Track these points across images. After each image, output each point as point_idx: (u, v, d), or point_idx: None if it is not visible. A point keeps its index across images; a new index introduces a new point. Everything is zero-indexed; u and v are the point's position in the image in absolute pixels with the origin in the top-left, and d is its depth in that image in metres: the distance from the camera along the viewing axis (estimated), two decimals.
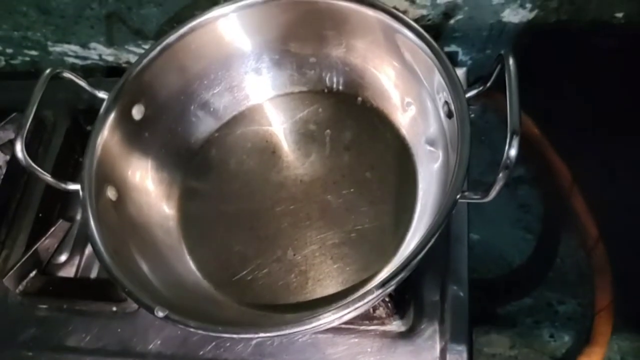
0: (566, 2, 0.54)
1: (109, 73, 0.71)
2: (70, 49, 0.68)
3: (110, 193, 0.47)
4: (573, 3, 0.54)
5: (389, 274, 0.38)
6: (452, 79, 0.42)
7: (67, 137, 0.62)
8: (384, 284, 0.37)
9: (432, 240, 0.38)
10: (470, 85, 0.43)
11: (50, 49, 0.68)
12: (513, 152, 0.35)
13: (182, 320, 0.38)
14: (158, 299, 0.41)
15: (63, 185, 0.45)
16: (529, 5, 0.55)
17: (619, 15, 0.55)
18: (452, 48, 0.61)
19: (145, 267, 0.45)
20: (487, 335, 0.59)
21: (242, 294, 0.49)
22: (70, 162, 0.61)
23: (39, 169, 0.44)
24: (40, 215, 0.58)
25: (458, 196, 0.38)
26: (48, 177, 0.44)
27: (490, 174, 0.61)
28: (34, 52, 0.70)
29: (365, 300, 0.37)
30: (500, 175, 0.36)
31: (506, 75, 0.37)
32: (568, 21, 0.57)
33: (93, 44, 0.67)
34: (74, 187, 0.45)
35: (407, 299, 0.48)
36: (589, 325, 0.56)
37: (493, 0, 0.54)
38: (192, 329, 0.38)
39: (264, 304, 0.49)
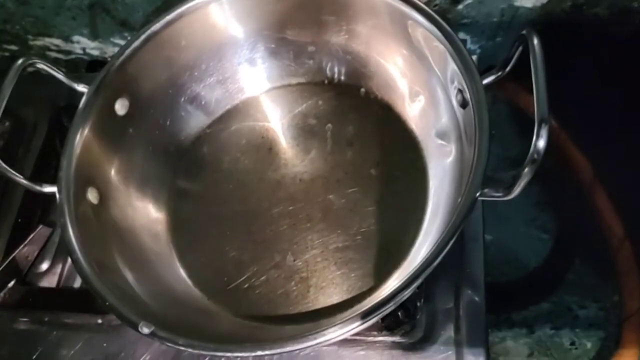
0: None
1: (95, 68, 0.67)
2: (52, 43, 0.65)
3: (92, 196, 0.44)
4: None
5: (401, 281, 0.34)
6: (467, 65, 0.39)
7: (48, 136, 0.59)
8: (396, 293, 0.34)
9: (450, 244, 0.34)
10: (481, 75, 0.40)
11: (31, 42, 0.66)
12: (542, 143, 0.31)
13: (169, 337, 0.35)
14: (144, 312, 0.39)
15: (38, 188, 0.42)
16: None
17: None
18: (461, 36, 0.59)
19: (130, 277, 0.43)
20: (503, 343, 0.56)
21: (237, 304, 0.46)
22: (52, 163, 0.58)
23: (10, 169, 0.41)
24: (20, 220, 0.55)
25: (478, 194, 0.34)
26: (21, 179, 0.41)
27: (502, 170, 0.58)
28: (13, 47, 0.67)
29: (377, 312, 0.34)
30: (527, 169, 0.32)
31: (531, 57, 0.34)
32: (584, 5, 0.54)
33: (76, 37, 0.64)
34: (50, 189, 0.42)
35: (419, 307, 0.45)
36: (613, 331, 0.52)
37: None
38: (180, 347, 0.35)
39: (262, 314, 0.46)
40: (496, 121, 0.63)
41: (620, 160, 0.53)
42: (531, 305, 0.56)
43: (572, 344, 0.55)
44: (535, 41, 0.34)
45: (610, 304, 0.54)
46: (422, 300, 0.45)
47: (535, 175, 0.58)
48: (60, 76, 0.44)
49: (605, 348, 0.53)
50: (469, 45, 0.60)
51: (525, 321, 0.56)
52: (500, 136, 0.63)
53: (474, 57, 0.55)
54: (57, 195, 0.41)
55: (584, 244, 0.57)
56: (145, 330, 0.35)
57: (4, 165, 0.40)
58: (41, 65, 0.43)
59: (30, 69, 0.44)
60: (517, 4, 0.54)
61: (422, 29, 0.42)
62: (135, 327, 0.36)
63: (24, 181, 0.41)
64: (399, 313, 0.44)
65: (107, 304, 0.37)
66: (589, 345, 0.54)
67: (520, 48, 0.37)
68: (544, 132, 0.31)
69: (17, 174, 0.41)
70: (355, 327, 0.34)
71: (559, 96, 0.54)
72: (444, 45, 0.41)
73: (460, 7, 0.55)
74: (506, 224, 0.59)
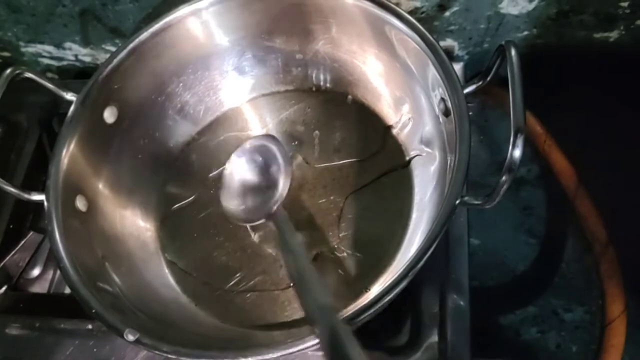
0: None
1: (87, 75, 0.67)
2: (44, 49, 0.65)
3: (80, 204, 0.44)
4: None
5: (386, 285, 0.35)
6: (448, 73, 0.39)
7: (40, 143, 0.60)
8: (381, 296, 0.34)
9: (431, 250, 0.35)
10: (468, 81, 0.40)
11: (23, 49, 0.65)
12: (517, 153, 0.32)
13: (154, 344, 0.35)
14: (130, 319, 0.39)
15: (27, 196, 0.42)
16: None
17: (624, 4, 0.52)
18: (448, 42, 0.59)
19: (118, 284, 0.43)
20: (489, 346, 0.56)
21: (225, 310, 0.46)
22: (43, 170, 0.57)
23: None
24: (11, 226, 0.55)
25: (457, 202, 0.35)
26: (9, 187, 0.41)
27: (490, 175, 0.59)
28: (5, 54, 0.67)
29: (359, 319, 0.34)
30: (504, 178, 0.32)
31: (508, 68, 0.34)
32: (570, 12, 0.54)
33: (68, 44, 0.64)
34: (38, 197, 0.42)
35: (404, 311, 0.45)
36: (599, 334, 0.52)
37: None
38: (166, 355, 0.35)
39: (250, 320, 0.45)
40: (484, 126, 0.64)
41: (604, 167, 0.53)
42: (517, 309, 0.56)
43: (558, 347, 0.55)
44: (513, 52, 0.35)
45: (596, 308, 0.55)
46: (407, 305, 0.45)
47: (522, 181, 0.58)
48: (49, 85, 0.44)
49: (589, 351, 0.53)
50: (456, 51, 0.60)
51: (511, 325, 0.56)
52: (488, 141, 0.63)
53: (462, 64, 0.56)
54: (45, 204, 0.41)
55: (570, 248, 0.57)
56: (131, 337, 0.35)
57: None
58: (30, 75, 0.43)
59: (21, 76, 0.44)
60: (503, 11, 0.54)
61: (402, 35, 0.42)
62: (120, 334, 0.35)
63: (12, 189, 0.41)
64: (383, 318, 0.44)
65: (93, 311, 0.37)
66: (574, 348, 0.54)
67: (500, 58, 0.37)
68: (519, 142, 0.32)
69: (5, 182, 0.41)
70: None
71: (545, 102, 0.55)
72: (424, 52, 0.41)
73: (447, 14, 0.55)
74: (493, 228, 0.59)
